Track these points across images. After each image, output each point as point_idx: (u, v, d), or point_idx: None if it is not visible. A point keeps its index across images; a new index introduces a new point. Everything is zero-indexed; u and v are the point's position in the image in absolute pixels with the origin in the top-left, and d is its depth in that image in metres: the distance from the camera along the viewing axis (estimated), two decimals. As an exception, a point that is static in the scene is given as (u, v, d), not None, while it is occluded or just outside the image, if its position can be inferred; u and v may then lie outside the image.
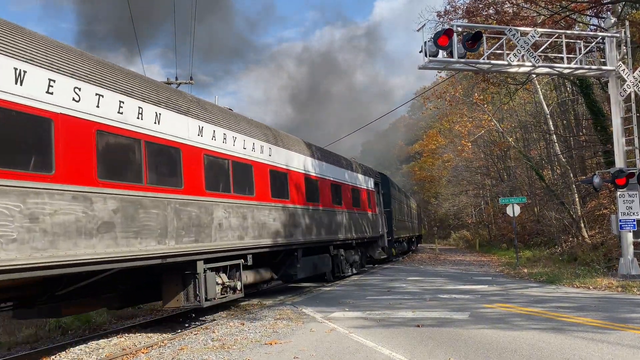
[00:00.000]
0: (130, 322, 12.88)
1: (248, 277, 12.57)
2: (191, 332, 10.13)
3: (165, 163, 9.61)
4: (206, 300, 10.18)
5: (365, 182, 22.92)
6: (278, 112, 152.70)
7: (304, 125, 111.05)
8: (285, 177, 14.55)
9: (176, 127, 9.96)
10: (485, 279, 18.20)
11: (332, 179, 18.48)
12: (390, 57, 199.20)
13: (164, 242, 9.06)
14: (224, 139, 11.63)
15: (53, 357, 9.21)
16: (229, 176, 11.55)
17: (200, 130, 10.73)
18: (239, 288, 11.50)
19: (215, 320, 11.75)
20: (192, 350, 8.21)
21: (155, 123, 9.36)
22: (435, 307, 11.44)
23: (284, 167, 14.58)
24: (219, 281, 10.88)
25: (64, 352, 9.42)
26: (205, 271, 10.23)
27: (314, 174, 16.82)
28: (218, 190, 11.03)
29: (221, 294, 10.97)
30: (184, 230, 9.59)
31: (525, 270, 19.50)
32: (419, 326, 9.15)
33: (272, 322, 10.37)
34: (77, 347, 9.85)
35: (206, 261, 10.39)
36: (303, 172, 15.92)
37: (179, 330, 10.81)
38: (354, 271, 20.78)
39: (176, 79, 22.61)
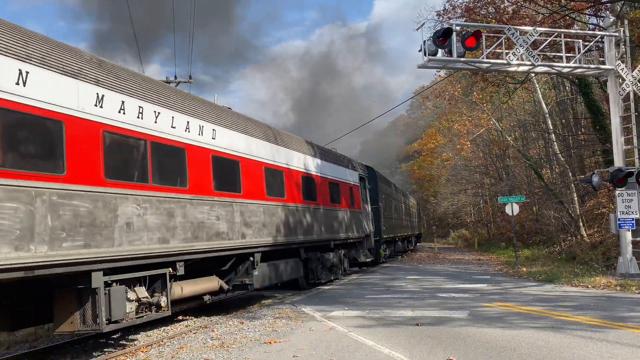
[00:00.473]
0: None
1: (184, 289, 10.19)
2: (190, 331, 10.13)
3: (34, 140, 7.25)
4: (111, 322, 8.02)
5: (347, 176, 20.25)
6: (278, 112, 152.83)
7: (304, 125, 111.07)
8: (235, 166, 11.97)
9: (57, 93, 7.56)
10: (484, 277, 18.23)
11: (303, 170, 15.82)
12: (390, 56, 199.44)
13: (28, 248, 6.77)
14: (140, 113, 9.03)
15: (52, 355, 9.21)
16: (146, 161, 9.03)
17: (100, 99, 8.24)
18: (163, 305, 9.07)
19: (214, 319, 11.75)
20: (191, 349, 8.21)
21: (18, 84, 7.00)
22: (435, 305, 11.46)
23: (235, 153, 11.99)
24: (132, 297, 8.61)
25: (63, 351, 9.42)
26: (110, 284, 8.10)
27: (278, 164, 14.11)
28: (127, 179, 8.57)
29: (137, 313, 8.72)
30: (65, 231, 7.28)
31: (524, 269, 19.52)
32: (418, 325, 9.16)
33: (271, 321, 10.38)
34: (76, 346, 9.85)
35: (111, 272, 8.21)
36: (262, 160, 13.25)
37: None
38: (335, 277, 18.58)
39: (175, 77, 22.66)
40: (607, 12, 19.17)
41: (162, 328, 11.13)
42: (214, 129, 11.26)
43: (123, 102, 8.72)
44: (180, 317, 12.42)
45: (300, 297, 14.44)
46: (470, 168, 49.84)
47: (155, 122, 9.42)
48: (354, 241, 20.44)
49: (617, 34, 15.96)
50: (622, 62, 15.86)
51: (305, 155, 16.30)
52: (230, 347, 8.19)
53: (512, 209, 24.13)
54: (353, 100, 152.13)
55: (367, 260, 22.18)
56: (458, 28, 14.87)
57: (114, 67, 9.18)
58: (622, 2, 19.93)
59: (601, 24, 18.41)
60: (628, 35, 16.24)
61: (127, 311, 8.39)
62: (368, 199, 22.99)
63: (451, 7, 23.25)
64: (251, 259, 12.39)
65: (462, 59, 14.79)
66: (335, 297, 13.74)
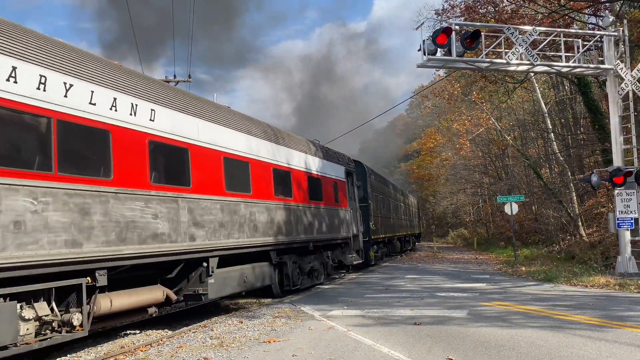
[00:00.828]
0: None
1: (114, 301, 8.49)
2: (190, 330, 10.13)
3: None
4: None
5: (331, 170, 18.27)
6: (278, 113, 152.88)
7: (304, 124, 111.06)
8: (182, 155, 10.14)
9: None
10: (484, 277, 18.24)
11: (275, 162, 13.89)
12: (389, 56, 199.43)
13: None
14: (42, 83, 7.21)
15: (51, 355, 9.20)
16: (49, 144, 7.25)
17: None
18: (76, 322, 7.45)
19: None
20: (190, 349, 8.21)
21: None
22: (434, 305, 11.46)
23: (182, 139, 10.10)
24: (30, 315, 6.93)
25: (62, 350, 9.41)
26: None
27: (242, 154, 12.23)
28: (18, 166, 6.82)
29: (41, 334, 7.19)
30: None
31: (523, 269, 19.54)
32: (417, 324, 9.17)
33: (270, 320, 10.38)
34: (75, 345, 9.84)
35: None
36: (221, 149, 11.38)
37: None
38: (317, 282, 16.69)
39: (174, 76, 22.70)
40: (607, 11, 19.20)
41: (162, 327, 11.13)
42: (152, 109, 9.37)
43: (14, 69, 6.87)
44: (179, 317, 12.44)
45: (299, 296, 14.44)
46: (469, 167, 49.91)
47: (66, 97, 7.59)
48: (339, 242, 18.58)
49: (616, 34, 15.98)
50: (621, 61, 15.87)
51: (278, 145, 14.40)
52: (230, 346, 8.19)
53: (511, 208, 24.16)
54: (352, 99, 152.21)
55: (355, 262, 20.12)
56: (457, 27, 14.88)
57: (2, 23, 7.21)
58: (622, 1, 19.94)
59: (600, 23, 18.43)
60: (627, 34, 16.25)
61: (21, 334, 6.74)
62: (356, 196, 21.25)
63: (450, 7, 23.28)
64: (204, 264, 10.57)
65: (461, 59, 14.79)
66: (334, 296, 13.75)
